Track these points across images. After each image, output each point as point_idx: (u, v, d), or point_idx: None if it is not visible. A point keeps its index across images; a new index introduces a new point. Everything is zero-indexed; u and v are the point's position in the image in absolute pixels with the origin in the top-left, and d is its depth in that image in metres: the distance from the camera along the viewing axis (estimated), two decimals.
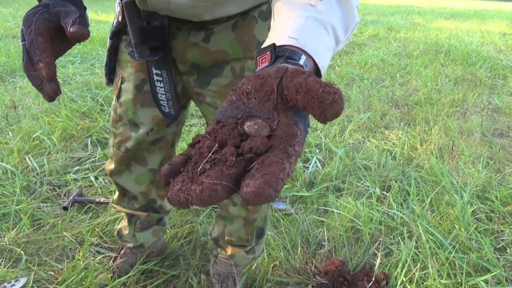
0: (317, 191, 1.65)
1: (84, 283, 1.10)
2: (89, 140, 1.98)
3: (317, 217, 1.49)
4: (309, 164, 1.84)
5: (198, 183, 0.26)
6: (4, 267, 1.18)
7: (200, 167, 0.28)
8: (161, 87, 0.80)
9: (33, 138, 1.94)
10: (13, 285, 1.10)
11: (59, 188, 1.62)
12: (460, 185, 1.71)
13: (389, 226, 1.46)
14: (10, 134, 1.99)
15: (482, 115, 2.67)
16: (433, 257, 1.27)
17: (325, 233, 1.41)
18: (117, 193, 1.05)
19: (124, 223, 1.12)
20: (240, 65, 0.78)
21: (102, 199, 1.52)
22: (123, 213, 1.11)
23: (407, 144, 2.13)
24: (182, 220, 1.44)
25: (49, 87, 0.52)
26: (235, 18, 0.74)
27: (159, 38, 0.73)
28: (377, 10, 9.97)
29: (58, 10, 0.54)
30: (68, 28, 0.52)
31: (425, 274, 1.22)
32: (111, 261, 1.21)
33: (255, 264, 1.25)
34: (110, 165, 0.96)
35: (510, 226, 1.48)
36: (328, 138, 2.14)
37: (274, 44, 0.38)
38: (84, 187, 1.64)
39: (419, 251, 1.30)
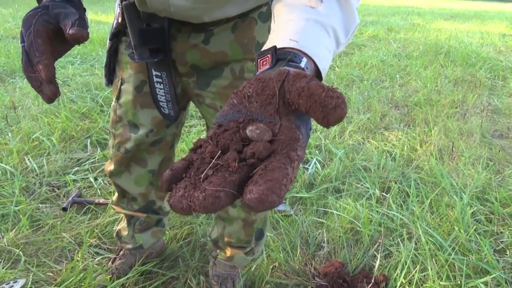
0: (317, 193, 1.65)
1: (83, 284, 1.10)
2: (89, 141, 1.97)
3: (316, 219, 1.49)
4: (308, 165, 1.84)
5: (201, 190, 0.26)
6: (3, 268, 1.18)
7: (203, 174, 0.28)
8: (160, 89, 0.80)
9: (33, 139, 1.94)
10: (12, 286, 1.10)
11: (58, 189, 1.62)
12: (459, 186, 1.71)
13: (388, 227, 1.46)
14: (9, 134, 1.98)
15: (482, 116, 2.67)
16: (433, 259, 1.27)
17: (325, 235, 1.41)
18: (116, 194, 1.05)
19: (123, 224, 1.12)
20: (239, 67, 0.78)
21: (102, 200, 1.52)
22: (122, 214, 1.10)
23: (406, 145, 2.13)
24: (181, 221, 1.44)
25: (48, 89, 0.52)
26: (235, 19, 0.73)
27: (159, 40, 0.73)
28: (377, 11, 9.99)
29: (58, 12, 0.54)
30: (68, 30, 0.52)
31: (424, 276, 1.22)
32: (110, 262, 1.21)
33: (254, 266, 1.24)
34: (109, 166, 0.96)
35: (510, 228, 1.48)
36: (327, 139, 2.14)
37: (275, 47, 0.38)
38: (84, 188, 1.64)
39: (418, 253, 1.30)
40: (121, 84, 0.85)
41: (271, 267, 1.25)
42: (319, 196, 1.64)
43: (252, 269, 1.23)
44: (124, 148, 0.89)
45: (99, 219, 1.42)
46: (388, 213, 1.52)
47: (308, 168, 1.81)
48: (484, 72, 3.78)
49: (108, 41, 0.83)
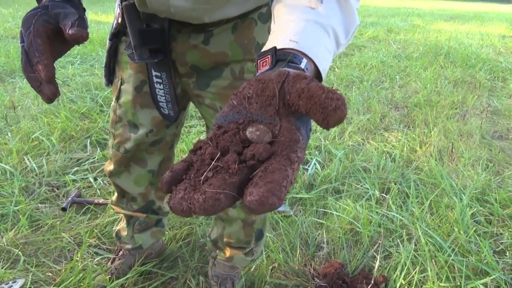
0: (316, 193, 1.65)
1: (82, 284, 1.10)
2: (88, 141, 1.97)
3: (316, 219, 1.49)
4: (308, 166, 1.84)
5: (201, 192, 0.26)
6: (2, 268, 1.18)
7: (202, 175, 0.28)
8: (160, 89, 0.80)
9: (32, 139, 1.94)
10: (11, 286, 1.10)
11: (57, 189, 1.62)
12: (459, 187, 1.71)
13: (388, 228, 1.46)
14: (9, 134, 1.98)
15: (481, 117, 2.68)
16: (432, 260, 1.27)
17: (324, 235, 1.41)
18: (116, 194, 1.05)
19: (122, 224, 1.12)
20: (239, 67, 0.78)
21: (101, 200, 1.52)
22: (121, 215, 1.10)
23: (406, 146, 2.13)
24: (181, 221, 1.44)
25: (47, 89, 0.52)
26: (235, 20, 0.73)
27: (159, 40, 0.73)
28: (377, 12, 9.99)
29: (57, 12, 0.54)
30: (67, 30, 0.51)
31: (424, 277, 1.22)
32: (109, 263, 1.20)
33: (254, 266, 1.24)
34: (109, 166, 0.96)
35: (509, 229, 1.48)
36: (327, 140, 2.14)
37: (275, 48, 0.38)
38: (83, 188, 1.64)
39: (418, 254, 1.30)
40: (121, 84, 0.85)
41: (270, 267, 1.25)
42: (319, 196, 1.64)
43: (252, 269, 1.23)
44: (124, 148, 0.89)
45: (99, 219, 1.42)
46: (388, 214, 1.52)
47: (308, 169, 1.81)
48: (484, 73, 3.78)
49: (108, 41, 0.83)
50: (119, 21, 0.77)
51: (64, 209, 1.46)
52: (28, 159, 1.77)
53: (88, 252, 1.27)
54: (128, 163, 0.93)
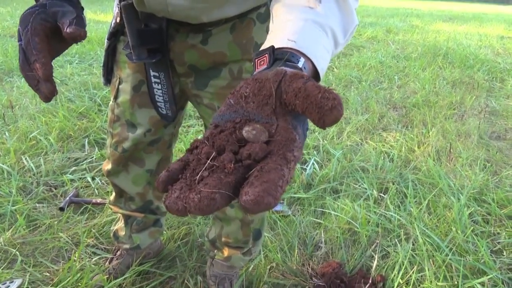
0: (315, 193, 1.65)
1: (79, 284, 1.10)
2: (86, 141, 1.97)
3: (314, 219, 1.49)
4: (306, 166, 1.84)
5: (196, 192, 0.26)
6: None
7: (198, 175, 0.28)
8: (158, 89, 0.80)
9: (30, 138, 1.93)
10: (8, 286, 1.09)
11: (55, 189, 1.61)
12: (457, 187, 1.71)
13: (386, 228, 1.46)
14: (6, 134, 1.98)
15: (479, 117, 2.68)
16: (430, 260, 1.27)
17: (322, 235, 1.41)
18: (113, 194, 1.05)
19: (120, 224, 1.11)
20: (238, 67, 0.78)
21: (99, 200, 1.51)
22: (119, 214, 1.10)
23: (404, 146, 2.13)
24: (179, 221, 1.43)
25: (45, 88, 0.52)
26: (233, 20, 0.73)
27: (157, 40, 0.73)
28: (376, 12, 10.00)
29: (55, 10, 0.54)
30: (65, 29, 0.51)
31: (421, 276, 1.22)
32: (107, 263, 1.20)
33: (252, 266, 1.24)
34: (107, 166, 0.96)
35: (507, 229, 1.48)
36: (326, 140, 2.14)
37: (272, 47, 0.38)
38: (81, 187, 1.64)
39: (416, 253, 1.31)
40: (119, 83, 0.85)
41: (268, 267, 1.25)
42: (317, 196, 1.64)
43: (250, 269, 1.23)
44: (122, 148, 0.89)
45: (96, 219, 1.42)
46: (386, 213, 1.53)
47: (306, 169, 1.81)
48: (482, 74, 3.79)
49: (106, 40, 0.83)
50: (118, 20, 0.76)
51: (62, 209, 1.46)
52: (25, 158, 1.77)
53: (86, 252, 1.27)
54: (126, 162, 0.93)
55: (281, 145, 0.29)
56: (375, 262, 1.27)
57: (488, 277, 1.20)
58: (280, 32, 0.42)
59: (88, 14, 6.35)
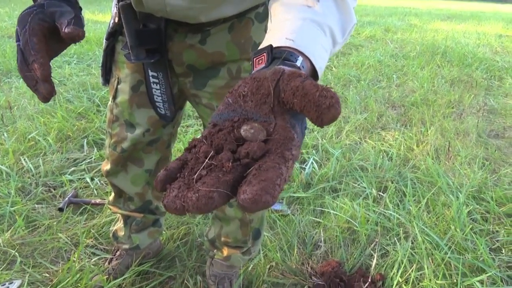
0: (314, 192, 1.65)
1: (79, 285, 1.10)
2: (85, 141, 1.97)
3: (313, 218, 1.49)
4: (305, 165, 1.84)
5: (195, 191, 0.26)
6: None
7: (196, 174, 0.28)
8: (157, 89, 0.80)
9: (29, 139, 1.93)
10: (7, 287, 1.09)
11: (54, 189, 1.61)
12: (456, 186, 1.71)
13: (385, 227, 1.46)
14: (5, 135, 1.97)
15: (478, 116, 2.69)
16: (429, 258, 1.28)
17: (322, 234, 1.41)
18: (113, 194, 1.04)
19: (119, 224, 1.11)
20: (236, 67, 0.78)
21: (98, 200, 1.51)
22: (118, 215, 1.10)
23: (403, 145, 2.14)
24: (178, 221, 1.43)
25: (43, 88, 0.52)
26: (232, 20, 0.73)
27: (156, 40, 0.73)
28: (374, 11, 10.01)
29: (53, 10, 0.54)
30: (63, 29, 0.51)
31: (421, 274, 1.23)
32: (106, 263, 1.20)
33: (252, 265, 1.24)
34: (106, 166, 0.96)
35: (505, 227, 1.48)
36: (324, 139, 2.14)
37: (271, 46, 0.38)
38: (80, 188, 1.63)
39: (415, 252, 1.31)
40: (118, 83, 0.85)
41: (268, 266, 1.25)
42: (316, 195, 1.64)
43: (249, 268, 1.23)
44: (121, 148, 0.89)
45: (96, 220, 1.42)
46: (385, 212, 1.53)
47: (305, 168, 1.81)
48: (481, 73, 3.80)
49: (104, 40, 0.83)
50: (116, 20, 0.76)
51: (61, 210, 1.46)
52: (24, 159, 1.76)
53: (85, 252, 1.26)
54: (125, 162, 0.93)
55: (279, 143, 0.29)
56: (375, 261, 1.27)
57: (487, 275, 1.20)
58: (278, 31, 0.42)
59: (86, 14, 6.34)
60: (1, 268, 1.18)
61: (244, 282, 1.19)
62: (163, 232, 1.34)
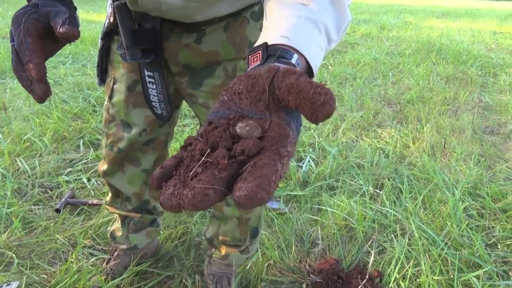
0: (311, 190, 1.65)
1: (77, 286, 1.09)
2: (81, 142, 1.96)
3: (311, 216, 1.50)
4: (302, 163, 1.84)
5: (190, 188, 0.26)
6: None
7: (192, 171, 0.28)
8: (153, 89, 0.80)
9: (24, 140, 1.92)
10: None
11: (51, 190, 1.60)
12: (452, 182, 1.73)
13: (382, 224, 1.47)
14: (0, 136, 1.96)
15: (473, 113, 2.70)
16: (426, 254, 1.29)
17: (319, 232, 1.41)
18: (110, 194, 1.04)
19: (117, 224, 1.11)
20: (232, 66, 0.78)
21: (95, 201, 1.51)
22: (116, 215, 1.10)
23: (399, 142, 2.15)
24: (176, 221, 1.43)
25: (39, 88, 0.51)
26: (227, 19, 0.73)
27: (151, 40, 0.73)
28: (370, 9, 10.03)
29: (48, 10, 0.53)
30: (58, 29, 0.51)
31: (418, 271, 1.23)
32: (104, 263, 1.20)
33: (250, 264, 1.25)
34: (103, 166, 0.96)
35: (501, 222, 1.50)
36: (321, 137, 2.15)
37: (266, 43, 0.38)
38: (77, 189, 1.63)
39: (412, 248, 1.32)
40: (114, 83, 0.84)
41: (266, 265, 1.25)
42: (313, 193, 1.65)
43: (247, 267, 1.24)
44: (117, 148, 0.89)
45: (93, 220, 1.41)
46: (382, 209, 1.54)
47: (302, 166, 1.82)
48: (475, 70, 3.82)
49: (100, 40, 0.82)
50: (111, 20, 0.76)
51: (57, 211, 1.45)
52: (20, 160, 1.76)
53: (82, 253, 1.26)
54: (122, 162, 0.93)
55: (275, 140, 0.30)
56: (372, 258, 1.28)
57: (483, 270, 1.21)
58: (273, 29, 0.42)
59: (81, 14, 6.30)
60: None
61: (242, 280, 1.19)
62: (161, 231, 1.34)
